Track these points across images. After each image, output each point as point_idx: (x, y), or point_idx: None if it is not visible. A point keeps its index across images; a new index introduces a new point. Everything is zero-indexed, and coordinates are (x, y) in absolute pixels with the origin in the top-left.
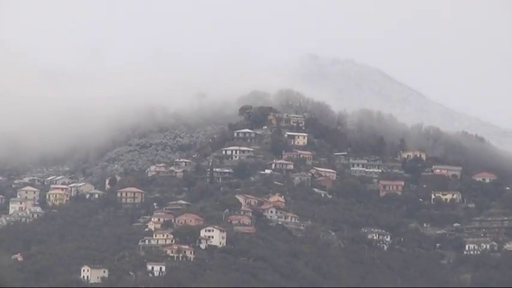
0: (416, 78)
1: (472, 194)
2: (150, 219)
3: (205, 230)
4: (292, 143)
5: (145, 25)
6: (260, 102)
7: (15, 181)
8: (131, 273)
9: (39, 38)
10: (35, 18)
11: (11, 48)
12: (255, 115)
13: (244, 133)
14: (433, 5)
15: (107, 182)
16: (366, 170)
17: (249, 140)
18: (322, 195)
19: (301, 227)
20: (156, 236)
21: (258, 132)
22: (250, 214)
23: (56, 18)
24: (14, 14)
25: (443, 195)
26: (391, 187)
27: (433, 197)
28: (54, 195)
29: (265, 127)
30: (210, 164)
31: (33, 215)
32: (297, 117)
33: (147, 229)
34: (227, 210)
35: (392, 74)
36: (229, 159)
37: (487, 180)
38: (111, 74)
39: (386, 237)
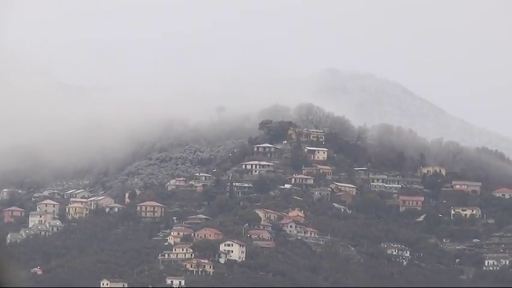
0: (436, 94)
1: (492, 210)
2: (169, 233)
3: (225, 245)
4: (312, 157)
5: (165, 39)
6: (280, 117)
7: (35, 194)
8: (150, 287)
9: (59, 52)
10: (55, 32)
11: (31, 62)
12: (275, 129)
13: (264, 148)
14: (453, 22)
15: (127, 195)
16: (386, 185)
17: (269, 155)
18: (342, 210)
19: (321, 242)
20: (175, 250)
21: (278, 147)
22: (270, 229)
23: (75, 32)
24: (33, 28)
25: (462, 210)
26: (410, 202)
27: (452, 212)
28: (73, 209)
29: (285, 142)
30: (230, 178)
31: (52, 229)
32: (317, 132)
33: (166, 243)
34: (247, 224)
35: (413, 89)
36: (249, 173)
37: (507, 196)
38: (131, 88)
39: (406, 252)
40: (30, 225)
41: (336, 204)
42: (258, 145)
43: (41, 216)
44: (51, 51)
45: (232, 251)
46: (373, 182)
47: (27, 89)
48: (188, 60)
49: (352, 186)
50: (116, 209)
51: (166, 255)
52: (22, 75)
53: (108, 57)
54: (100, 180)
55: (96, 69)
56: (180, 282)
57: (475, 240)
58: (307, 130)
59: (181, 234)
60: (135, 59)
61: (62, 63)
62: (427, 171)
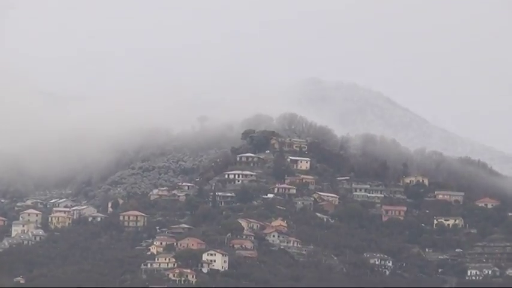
0: (419, 103)
1: (475, 220)
2: (152, 243)
3: (208, 254)
4: (295, 167)
5: (147, 47)
6: (263, 126)
7: (18, 204)
8: None
9: (41, 61)
10: (36, 40)
11: (13, 70)
12: (258, 139)
13: (247, 157)
14: (436, 30)
15: (110, 205)
16: (369, 194)
17: (251, 164)
18: (325, 219)
19: (304, 252)
20: (158, 259)
21: (261, 157)
22: (253, 238)
23: (57, 41)
24: (15, 36)
25: (445, 220)
26: (393, 212)
27: (435, 222)
28: (56, 218)
29: (268, 151)
30: (213, 188)
31: (35, 238)
32: (299, 141)
33: (149, 253)
34: (229, 234)
35: (396, 99)
36: (232, 183)
37: (490, 206)
38: (114, 97)
39: (389, 262)
40: (13, 234)
41: (318, 214)
42: (240, 155)
43: (23, 226)
44: (33, 61)
45: (215, 261)
46: (355, 191)
47: (9, 98)
48: (170, 70)
49: (335, 195)
50: (99, 219)
51: (149, 265)
52: (4, 84)
53: (91, 67)
54: (83, 189)
55: (79, 79)
56: None
57: (458, 250)
58: (289, 140)
59: (164, 243)
60: (118, 69)
61: (45, 72)
62: (410, 181)
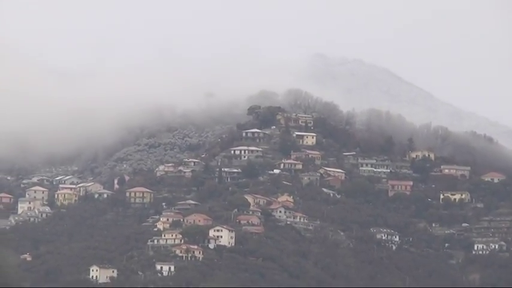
0: (424, 78)
1: (481, 194)
2: (158, 219)
3: (214, 230)
4: (301, 142)
5: (153, 25)
6: (268, 102)
7: (24, 181)
8: (140, 273)
9: (47, 38)
10: (43, 18)
11: (19, 48)
12: (264, 115)
13: (253, 133)
14: (442, 5)
15: (116, 181)
16: (375, 169)
17: (257, 140)
18: (331, 195)
19: (310, 227)
20: (164, 235)
21: (267, 132)
22: (259, 214)
23: (64, 18)
24: (22, 14)
25: (451, 195)
26: (399, 187)
27: (441, 196)
28: (62, 195)
29: (274, 127)
30: (219, 163)
31: (41, 215)
32: (305, 117)
33: (155, 229)
34: (236, 210)
35: (401, 74)
36: (238, 159)
37: (496, 180)
38: (120, 74)
39: (395, 237)
40: (20, 211)
41: (324, 189)
42: (246, 130)
43: (30, 203)
44: (40, 37)
45: (221, 237)
46: (362, 166)
47: (16, 75)
48: (176, 46)
49: (341, 171)
50: (105, 195)
51: (155, 241)
52: (11, 61)
53: (98, 44)
54: (89, 166)
55: (85, 56)
56: (169, 267)
57: (464, 224)
58: (295, 115)
59: (170, 219)
60: (125, 46)
61: (52, 49)
62: (416, 155)
